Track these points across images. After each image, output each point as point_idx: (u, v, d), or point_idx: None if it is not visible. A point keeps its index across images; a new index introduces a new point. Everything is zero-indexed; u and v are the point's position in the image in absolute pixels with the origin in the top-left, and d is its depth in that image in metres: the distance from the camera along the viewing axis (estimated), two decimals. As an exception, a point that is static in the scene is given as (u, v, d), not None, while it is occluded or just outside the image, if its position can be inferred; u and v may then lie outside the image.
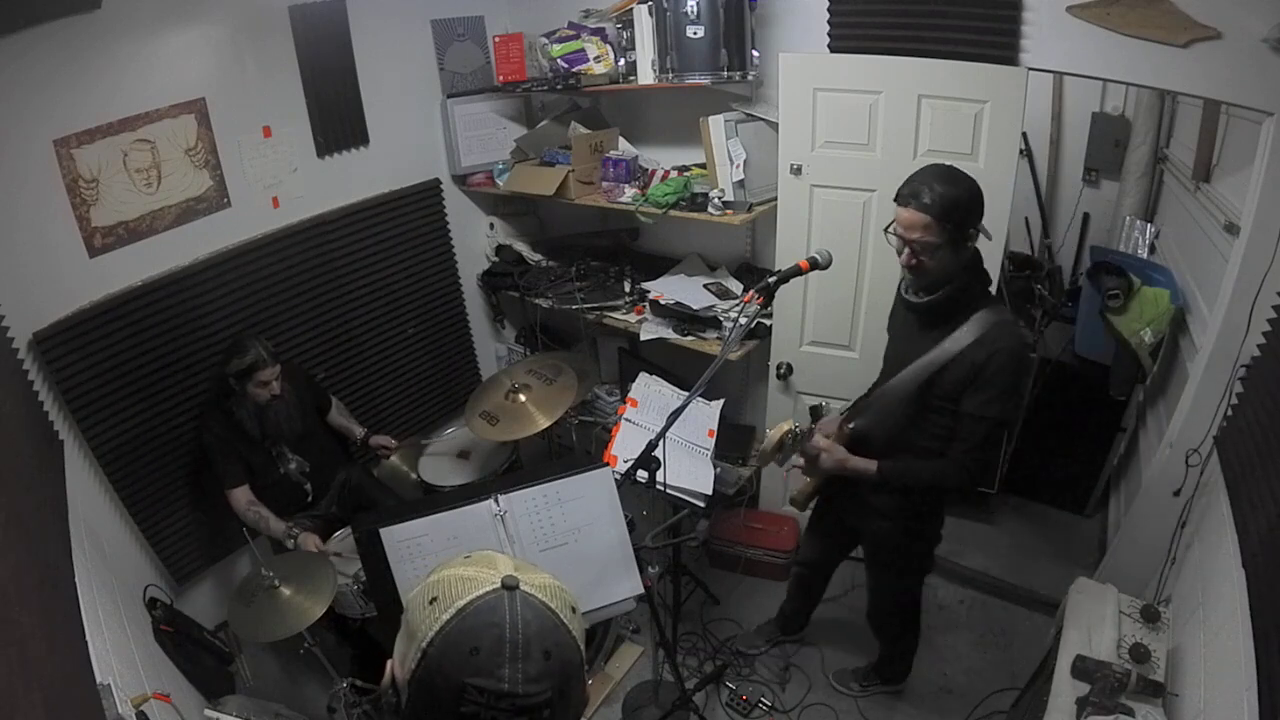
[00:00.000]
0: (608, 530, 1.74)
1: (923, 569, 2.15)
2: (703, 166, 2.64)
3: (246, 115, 2.49)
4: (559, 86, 2.85)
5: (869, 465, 1.83)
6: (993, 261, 2.25)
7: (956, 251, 1.65)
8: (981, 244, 2.22)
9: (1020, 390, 1.71)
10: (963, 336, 1.68)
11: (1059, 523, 3.14)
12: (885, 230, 1.73)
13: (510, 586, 0.74)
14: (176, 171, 2.35)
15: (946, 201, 1.58)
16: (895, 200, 1.67)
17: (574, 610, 0.78)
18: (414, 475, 2.90)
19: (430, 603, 0.74)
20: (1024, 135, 3.04)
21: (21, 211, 2.02)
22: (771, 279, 1.75)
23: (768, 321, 2.73)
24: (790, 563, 2.74)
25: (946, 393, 1.73)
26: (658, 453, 1.80)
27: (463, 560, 0.80)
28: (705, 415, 2.35)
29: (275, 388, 2.34)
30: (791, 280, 1.78)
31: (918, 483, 1.84)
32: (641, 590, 1.77)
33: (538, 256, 3.40)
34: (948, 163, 1.70)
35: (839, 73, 2.26)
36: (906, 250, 1.67)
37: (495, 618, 0.72)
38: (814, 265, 1.77)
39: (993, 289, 1.79)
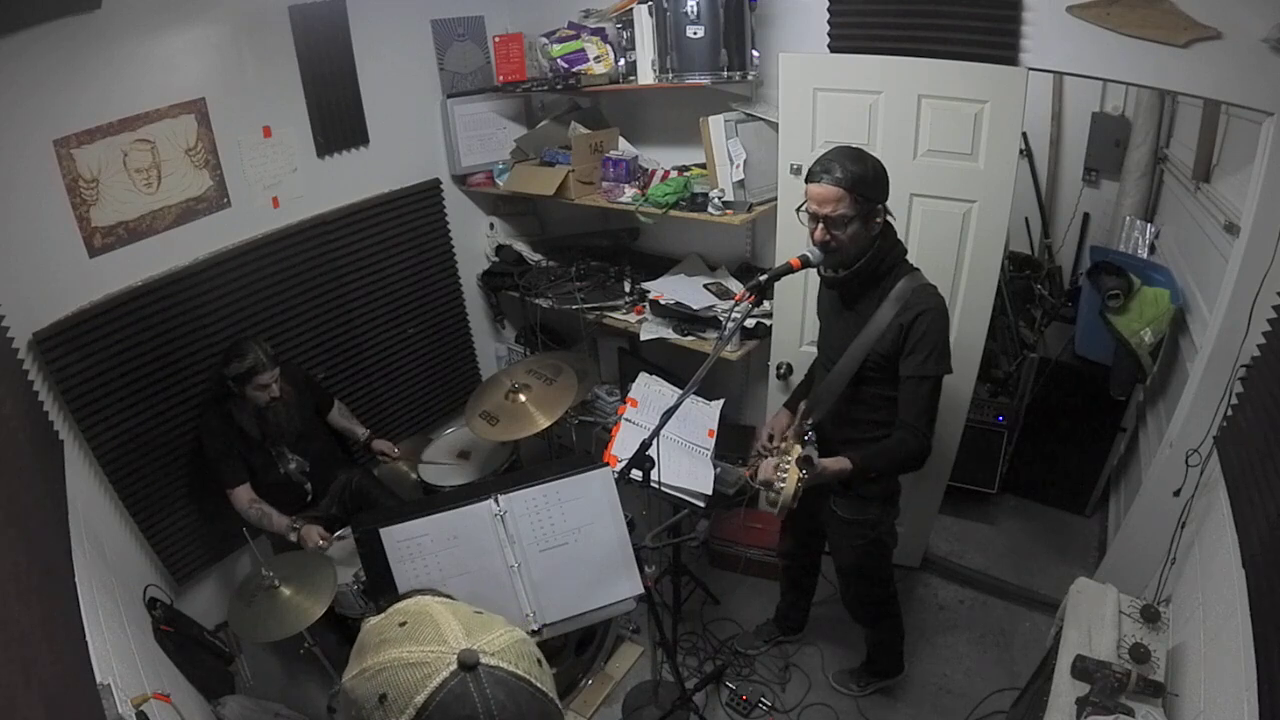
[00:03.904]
0: (608, 530, 1.74)
1: (885, 544, 2.14)
2: (703, 166, 2.64)
3: (246, 115, 2.49)
4: (559, 86, 2.85)
5: (844, 465, 1.84)
6: (994, 261, 2.27)
7: (866, 225, 1.74)
8: (982, 243, 2.26)
9: (948, 344, 1.80)
10: (888, 308, 1.78)
11: (1059, 523, 3.14)
12: (797, 210, 1.80)
13: (469, 666, 0.64)
14: (176, 171, 2.35)
15: (855, 176, 1.68)
16: (806, 180, 1.75)
17: (540, 663, 0.70)
18: (414, 475, 2.90)
19: (380, 701, 0.63)
20: (1024, 135, 3.05)
21: (21, 211, 2.02)
22: (762, 278, 1.78)
23: (768, 322, 2.73)
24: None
25: (880, 363, 1.82)
26: (651, 452, 1.79)
27: (399, 630, 0.68)
28: (705, 415, 2.35)
29: (275, 390, 2.34)
30: (785, 279, 1.80)
31: (891, 462, 1.87)
32: (641, 590, 1.77)
33: (538, 256, 3.40)
34: (855, 145, 1.79)
35: (839, 73, 2.26)
36: (820, 227, 1.74)
37: (466, 710, 0.63)
38: (805, 263, 1.79)
39: (910, 258, 1.85)
